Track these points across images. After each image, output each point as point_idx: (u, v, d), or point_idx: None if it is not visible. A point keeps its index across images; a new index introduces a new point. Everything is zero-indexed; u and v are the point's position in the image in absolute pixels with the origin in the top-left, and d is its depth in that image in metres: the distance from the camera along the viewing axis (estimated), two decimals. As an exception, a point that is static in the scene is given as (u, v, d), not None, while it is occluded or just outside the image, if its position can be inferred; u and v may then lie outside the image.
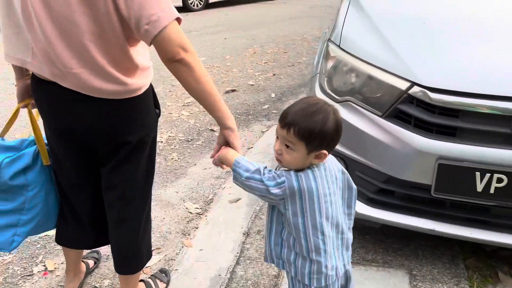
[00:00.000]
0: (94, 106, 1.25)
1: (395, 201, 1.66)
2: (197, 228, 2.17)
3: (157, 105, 1.46)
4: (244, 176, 1.14)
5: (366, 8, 1.96)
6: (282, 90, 4.27)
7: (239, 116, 3.65)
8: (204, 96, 1.22)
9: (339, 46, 1.80)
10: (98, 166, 1.42)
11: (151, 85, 1.40)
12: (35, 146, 1.44)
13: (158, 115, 1.46)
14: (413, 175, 1.56)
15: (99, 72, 1.19)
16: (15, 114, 1.45)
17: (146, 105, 1.38)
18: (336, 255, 1.17)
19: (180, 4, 9.57)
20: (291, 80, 4.55)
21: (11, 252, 1.82)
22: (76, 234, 1.57)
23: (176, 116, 3.67)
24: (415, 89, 1.53)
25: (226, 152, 1.24)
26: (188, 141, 3.21)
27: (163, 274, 1.83)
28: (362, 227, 2.00)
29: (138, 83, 1.29)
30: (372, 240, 1.97)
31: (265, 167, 1.16)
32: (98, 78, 1.19)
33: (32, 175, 1.42)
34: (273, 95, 4.14)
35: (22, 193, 1.41)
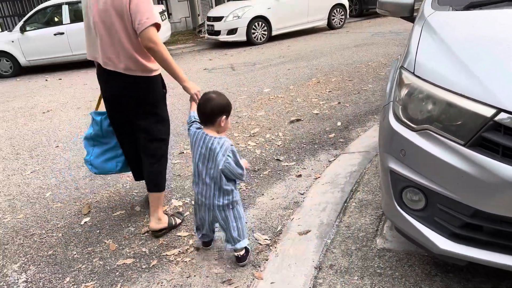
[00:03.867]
0: (124, 80, 2.26)
1: (484, 237, 1.52)
2: (267, 260, 2.15)
3: (163, 86, 2.45)
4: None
5: (440, 32, 1.89)
6: (348, 118, 4.20)
7: (304, 145, 3.63)
8: (166, 68, 2.21)
9: (413, 73, 1.74)
10: (130, 120, 2.41)
11: (160, 74, 2.37)
12: None
13: (165, 93, 2.47)
14: (504, 208, 1.43)
15: (129, 56, 2.20)
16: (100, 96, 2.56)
17: (157, 83, 2.35)
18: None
19: (244, 38, 9.94)
20: (357, 108, 4.47)
21: (114, 172, 2.68)
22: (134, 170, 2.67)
23: (243, 146, 3.73)
24: (502, 115, 1.42)
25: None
26: (255, 171, 3.24)
27: (179, 214, 2.65)
28: (444, 264, 1.86)
29: (151, 66, 2.28)
30: (456, 279, 1.81)
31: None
32: (128, 60, 2.21)
33: None
34: (339, 123, 4.08)
35: (113, 136, 2.55)
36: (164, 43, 10.78)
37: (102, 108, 2.55)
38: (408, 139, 1.66)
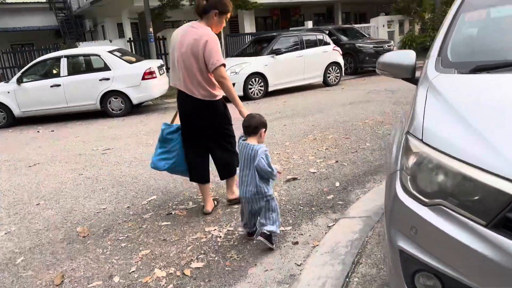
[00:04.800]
0: (196, 102, 3.14)
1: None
2: None
3: (225, 108, 3.33)
4: None
5: (448, 96, 1.76)
6: (347, 178, 4.02)
7: (301, 207, 3.42)
8: (229, 96, 3.11)
9: (421, 140, 1.58)
10: (200, 133, 3.27)
11: (222, 99, 3.26)
12: (179, 125, 3.34)
13: (227, 112, 3.34)
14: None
15: (201, 86, 3.09)
16: (176, 112, 3.44)
17: (221, 106, 3.25)
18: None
19: (241, 93, 10.00)
20: (355, 168, 4.30)
21: (162, 170, 3.40)
22: (197, 174, 3.40)
23: (236, 207, 3.51)
24: (530, 193, 1.24)
25: None
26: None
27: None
28: None
29: (216, 93, 3.18)
30: None
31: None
32: (201, 89, 3.10)
33: (175, 135, 3.32)
34: (337, 184, 3.89)
35: (170, 142, 3.32)
36: (162, 96, 10.84)
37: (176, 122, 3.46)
38: (419, 215, 1.46)
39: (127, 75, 9.22)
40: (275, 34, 11.82)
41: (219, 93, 3.22)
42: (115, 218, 3.53)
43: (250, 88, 10.11)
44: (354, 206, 3.34)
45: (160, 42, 15.27)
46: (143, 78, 9.24)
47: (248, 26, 18.84)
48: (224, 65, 3.04)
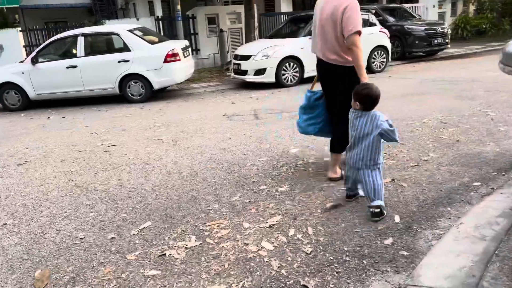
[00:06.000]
0: (332, 67, 3.30)
1: None
2: None
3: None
4: None
5: None
6: (409, 209, 2.92)
7: (347, 258, 2.37)
8: (356, 64, 3.07)
9: None
10: (330, 95, 3.47)
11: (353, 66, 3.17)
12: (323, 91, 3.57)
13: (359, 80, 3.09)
14: None
15: (336, 52, 3.22)
16: (315, 78, 3.69)
17: (354, 71, 3.10)
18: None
19: (272, 80, 8.93)
20: (419, 191, 3.18)
21: (312, 134, 3.73)
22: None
23: (254, 250, 2.51)
24: None
25: None
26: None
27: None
28: None
29: (349, 59, 3.18)
30: None
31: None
32: (335, 55, 3.23)
33: (321, 101, 3.57)
34: (397, 219, 2.80)
35: (316, 108, 3.59)
36: (188, 80, 9.91)
37: (316, 87, 3.55)
38: None
39: (147, 57, 8.30)
40: (312, 13, 10.52)
41: (350, 59, 3.20)
42: (91, 256, 2.61)
43: (284, 74, 8.98)
44: (426, 264, 2.25)
45: (189, 21, 14.26)
46: (165, 61, 8.30)
47: (285, 5, 17.48)
48: (359, 32, 3.04)
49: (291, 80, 9.07)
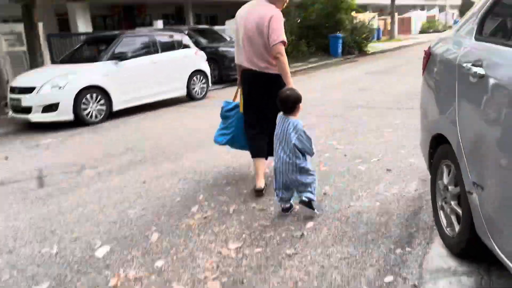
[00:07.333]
0: (263, 75, 3.36)
1: None
2: None
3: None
4: None
5: None
6: None
7: None
8: (282, 72, 3.24)
9: None
10: (259, 106, 3.46)
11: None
12: (237, 103, 3.64)
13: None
14: None
15: (266, 60, 3.31)
16: (238, 90, 3.70)
17: (280, 79, 3.26)
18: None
19: (70, 117, 6.82)
20: None
21: (221, 144, 3.79)
22: (258, 148, 3.51)
23: None
24: None
25: None
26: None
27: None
28: None
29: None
30: None
31: None
32: (265, 62, 3.32)
33: (232, 113, 3.66)
34: None
35: (228, 119, 3.69)
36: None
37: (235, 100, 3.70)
38: None
39: None
40: (117, 33, 8.77)
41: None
42: None
43: (85, 109, 6.98)
44: None
45: None
46: None
47: (82, 25, 15.08)
48: (284, 43, 3.22)
49: (96, 115, 7.12)
